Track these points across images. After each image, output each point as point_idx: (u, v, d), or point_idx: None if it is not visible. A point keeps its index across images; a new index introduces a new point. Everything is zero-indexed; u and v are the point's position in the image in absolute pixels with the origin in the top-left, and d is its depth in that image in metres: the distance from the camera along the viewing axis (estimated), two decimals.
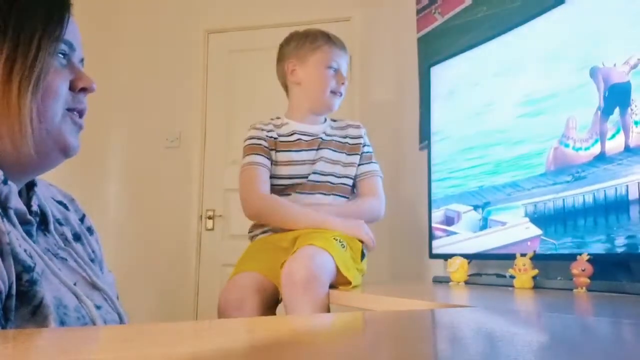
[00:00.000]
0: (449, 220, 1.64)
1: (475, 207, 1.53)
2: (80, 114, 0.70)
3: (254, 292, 1.25)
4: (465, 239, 1.56)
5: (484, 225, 1.50)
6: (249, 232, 1.51)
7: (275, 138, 1.48)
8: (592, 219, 1.18)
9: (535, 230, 1.32)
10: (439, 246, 1.68)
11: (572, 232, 1.23)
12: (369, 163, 1.53)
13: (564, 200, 1.25)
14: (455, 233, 1.61)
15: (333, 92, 1.50)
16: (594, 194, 1.18)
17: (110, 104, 2.81)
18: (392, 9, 2.48)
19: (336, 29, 1.59)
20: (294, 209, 1.40)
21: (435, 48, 2.15)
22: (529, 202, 1.35)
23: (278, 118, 1.55)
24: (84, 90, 0.69)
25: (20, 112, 0.61)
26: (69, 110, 0.68)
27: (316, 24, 1.65)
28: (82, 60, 0.72)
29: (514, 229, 1.39)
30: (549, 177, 1.31)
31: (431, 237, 1.70)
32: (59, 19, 0.65)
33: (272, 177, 1.46)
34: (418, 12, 2.30)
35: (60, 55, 0.67)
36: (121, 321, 0.71)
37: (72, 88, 0.68)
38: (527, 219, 1.35)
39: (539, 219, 1.33)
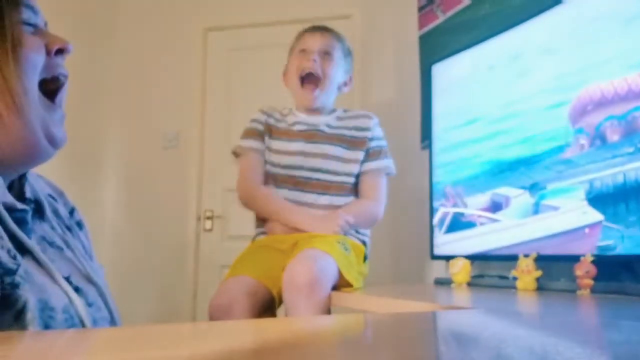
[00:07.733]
0: (496, 206, 1.44)
1: (524, 189, 1.34)
2: (62, 80, 0.67)
3: (244, 297, 1.22)
4: (508, 227, 1.38)
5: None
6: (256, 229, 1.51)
7: (272, 124, 1.48)
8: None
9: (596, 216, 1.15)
10: (472, 236, 1.50)
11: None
12: (375, 160, 1.45)
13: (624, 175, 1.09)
14: (498, 221, 1.42)
15: (302, 78, 1.45)
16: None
17: (108, 103, 2.80)
18: (393, 6, 2.48)
19: (336, 27, 1.57)
20: (277, 204, 1.40)
21: (436, 46, 2.15)
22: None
23: (290, 109, 1.54)
24: (60, 52, 0.67)
25: (8, 83, 0.59)
26: (48, 82, 0.65)
27: (316, 22, 1.63)
28: (46, 24, 0.70)
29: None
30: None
31: (432, 237, 1.69)
32: None
33: (266, 163, 1.47)
34: (419, 9, 2.30)
35: (28, 24, 0.65)
36: (112, 319, 0.69)
37: (47, 53, 0.66)
38: (585, 202, 1.18)
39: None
